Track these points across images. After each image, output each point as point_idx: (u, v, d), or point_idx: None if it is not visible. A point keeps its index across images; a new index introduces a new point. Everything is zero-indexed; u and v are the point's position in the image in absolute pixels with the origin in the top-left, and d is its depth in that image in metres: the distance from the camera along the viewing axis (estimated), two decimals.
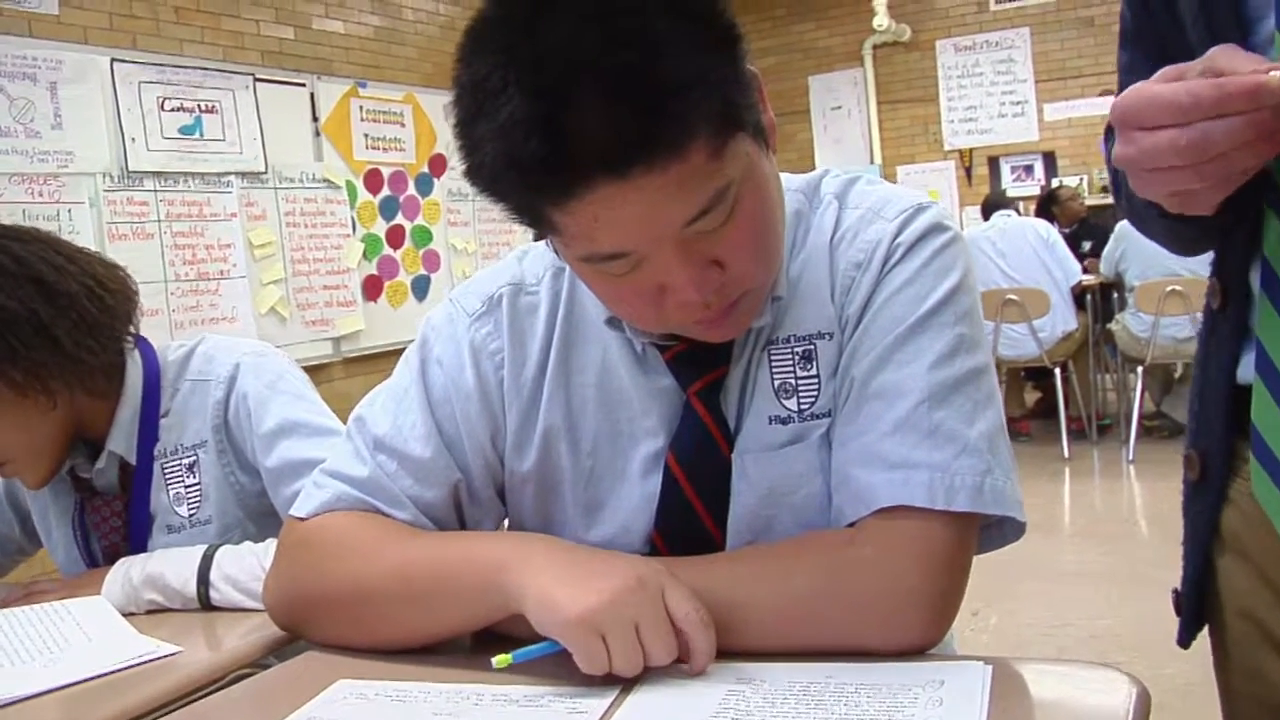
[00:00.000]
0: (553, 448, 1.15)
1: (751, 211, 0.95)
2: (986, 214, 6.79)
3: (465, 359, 1.16)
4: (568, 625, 0.92)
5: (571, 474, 1.15)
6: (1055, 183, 8.49)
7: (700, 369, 1.10)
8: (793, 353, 1.09)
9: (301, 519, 1.17)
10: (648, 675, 0.95)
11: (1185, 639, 1.11)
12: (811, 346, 1.08)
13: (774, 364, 1.09)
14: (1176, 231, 1.00)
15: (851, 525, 1.01)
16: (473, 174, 0.92)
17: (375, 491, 1.15)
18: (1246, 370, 0.93)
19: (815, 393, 1.08)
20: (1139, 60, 1.08)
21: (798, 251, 1.11)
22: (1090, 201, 8.22)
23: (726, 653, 0.96)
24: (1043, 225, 6.50)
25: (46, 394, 1.54)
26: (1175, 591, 1.11)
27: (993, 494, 0.98)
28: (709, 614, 0.94)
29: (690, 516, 1.11)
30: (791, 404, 1.08)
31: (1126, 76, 1.13)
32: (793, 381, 1.08)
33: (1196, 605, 1.09)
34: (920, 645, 0.96)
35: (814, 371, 1.08)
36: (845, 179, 1.16)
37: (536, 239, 1.11)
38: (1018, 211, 6.87)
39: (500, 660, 0.95)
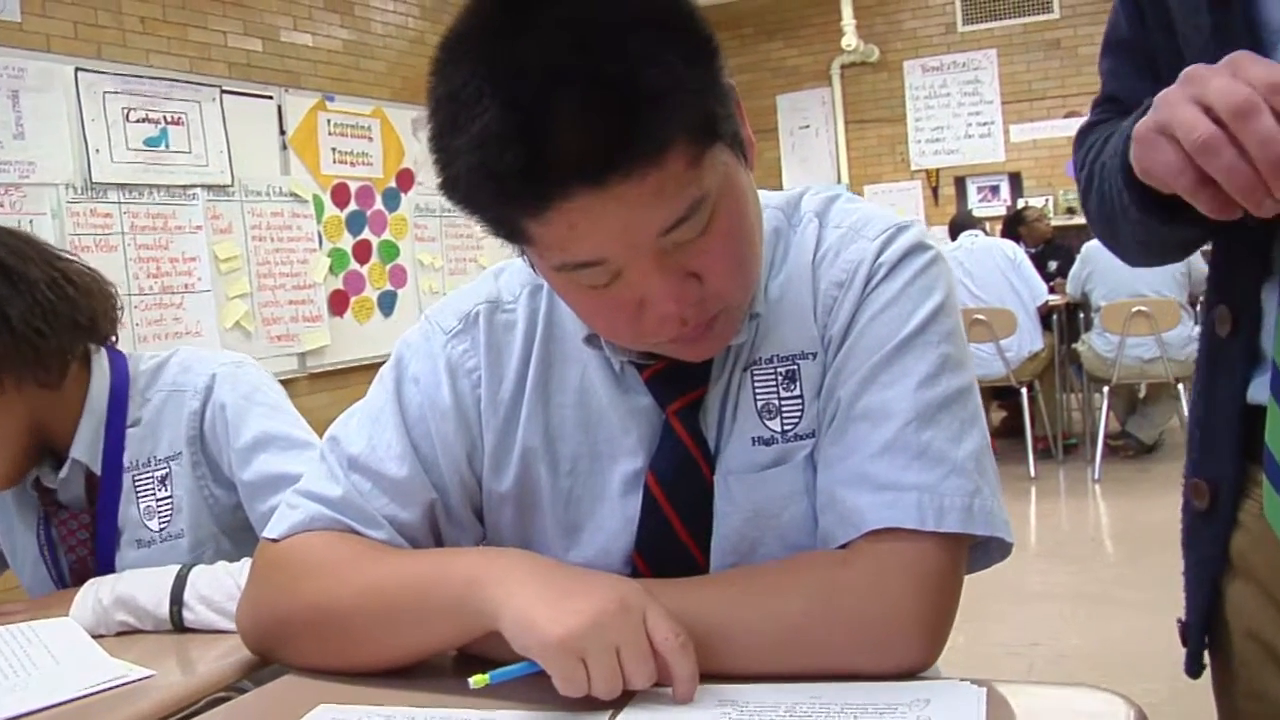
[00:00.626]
0: (531, 468, 1.14)
1: (729, 224, 0.94)
2: (954, 234, 6.84)
3: (442, 376, 1.15)
4: (547, 647, 0.89)
5: (550, 494, 1.14)
6: (1021, 203, 8.57)
7: (679, 388, 1.08)
8: (776, 373, 1.07)
9: (274, 540, 1.15)
10: (635, 698, 0.93)
11: (1194, 669, 1.10)
12: (795, 367, 1.07)
13: (757, 384, 1.08)
14: (1150, 231, 0.97)
15: (841, 548, 0.99)
16: (448, 187, 0.91)
17: (350, 511, 1.12)
18: (1259, 391, 0.91)
19: (799, 413, 1.07)
20: (1125, 67, 1.09)
21: (778, 269, 1.10)
22: (1056, 222, 8.31)
23: (714, 676, 0.94)
24: (1009, 246, 6.56)
25: None
26: (1180, 622, 1.10)
27: (982, 514, 0.97)
28: (690, 638, 0.92)
29: (671, 537, 1.09)
30: (775, 425, 1.07)
31: (1112, 82, 1.12)
32: (775, 402, 1.07)
33: (1203, 634, 1.07)
34: (914, 668, 0.95)
35: (797, 392, 1.07)
36: (825, 196, 1.15)
37: (517, 254, 1.08)
38: (984, 232, 6.92)
39: (477, 680, 0.92)
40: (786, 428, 1.07)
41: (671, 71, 0.84)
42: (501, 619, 0.94)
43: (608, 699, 0.90)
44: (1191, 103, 0.76)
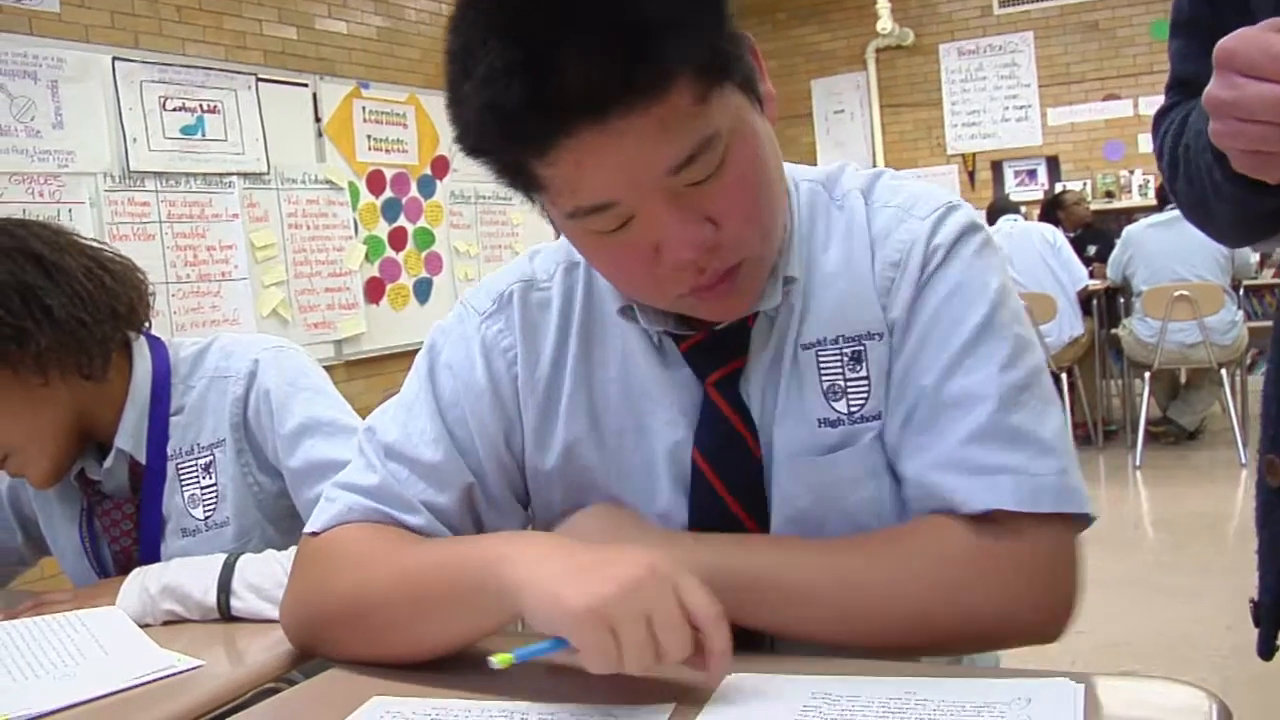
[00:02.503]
0: (578, 444, 1.13)
1: (743, 168, 0.93)
2: (992, 219, 6.78)
3: (476, 357, 1.15)
4: (573, 618, 0.85)
5: (599, 469, 1.13)
6: (1059, 187, 8.48)
7: (717, 359, 1.08)
8: (841, 353, 1.06)
9: (315, 534, 1.15)
10: (716, 694, 0.90)
11: (1267, 650, 1.07)
12: (861, 347, 1.06)
13: (822, 365, 1.06)
14: (1245, 205, 0.95)
15: None
16: (461, 135, 0.94)
17: (386, 499, 1.12)
18: None
19: (865, 394, 1.06)
20: (1193, 48, 1.06)
21: (825, 243, 1.10)
22: (1095, 206, 8.22)
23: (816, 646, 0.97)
24: (1049, 230, 6.49)
25: (39, 369, 1.49)
26: (1253, 602, 1.08)
27: (1071, 492, 0.98)
28: (723, 609, 0.88)
29: (722, 510, 1.08)
30: (841, 406, 1.06)
31: (1181, 64, 1.10)
32: (841, 383, 1.06)
33: (1278, 615, 1.05)
34: (1040, 640, 0.97)
35: (864, 373, 1.06)
36: (869, 174, 1.15)
37: (545, 220, 1.05)
38: (1023, 216, 6.85)
39: (501, 659, 0.88)
40: (853, 409, 1.06)
41: (674, 5, 0.85)
42: (523, 597, 0.92)
43: (640, 673, 0.86)
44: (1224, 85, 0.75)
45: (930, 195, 1.10)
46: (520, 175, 0.94)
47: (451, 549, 1.05)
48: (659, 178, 0.89)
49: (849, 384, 1.06)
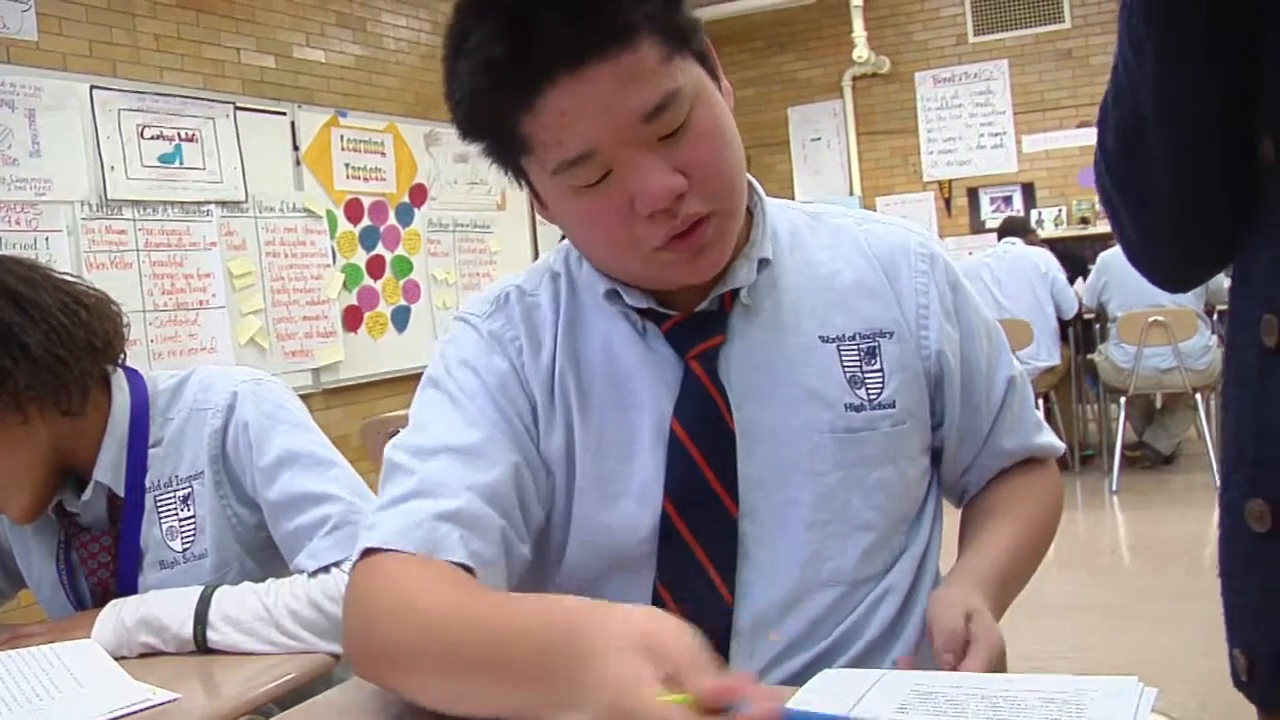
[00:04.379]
0: (569, 427, 1.17)
1: (708, 124, 1.05)
2: (1000, 236, 6.84)
3: (491, 348, 1.19)
4: None
5: (581, 448, 1.17)
6: (1035, 214, 8.56)
7: (697, 336, 1.16)
8: (858, 349, 1.19)
9: (357, 561, 1.09)
10: (809, 684, 0.97)
11: (1272, 700, 0.95)
12: (875, 344, 1.20)
13: (844, 357, 1.19)
14: (1180, 90, 0.88)
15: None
16: (455, 109, 1.06)
17: (426, 492, 1.08)
18: None
19: (880, 385, 1.19)
20: None
21: (814, 247, 1.24)
22: (1069, 233, 8.29)
23: None
24: (1043, 258, 6.49)
25: (17, 408, 1.48)
26: (1245, 655, 0.95)
27: None
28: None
29: (700, 482, 1.14)
30: (862, 394, 1.18)
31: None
32: (860, 374, 1.19)
33: (1277, 676, 0.93)
34: None
35: (878, 366, 1.19)
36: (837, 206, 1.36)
37: (527, 200, 1.15)
38: (1025, 241, 6.83)
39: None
40: (871, 397, 1.18)
41: None
42: None
43: None
44: None
45: (899, 218, 1.32)
46: (509, 139, 1.04)
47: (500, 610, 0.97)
48: (633, 124, 1.00)
49: (866, 375, 1.19)
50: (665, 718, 0.70)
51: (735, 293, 1.17)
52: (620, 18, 0.98)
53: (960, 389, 1.25)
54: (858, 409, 1.18)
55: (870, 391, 1.19)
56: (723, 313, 1.17)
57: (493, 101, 1.02)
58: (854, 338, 1.20)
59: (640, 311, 1.16)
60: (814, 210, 1.29)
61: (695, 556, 1.14)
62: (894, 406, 1.19)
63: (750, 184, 1.20)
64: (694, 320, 1.16)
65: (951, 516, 1.34)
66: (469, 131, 1.08)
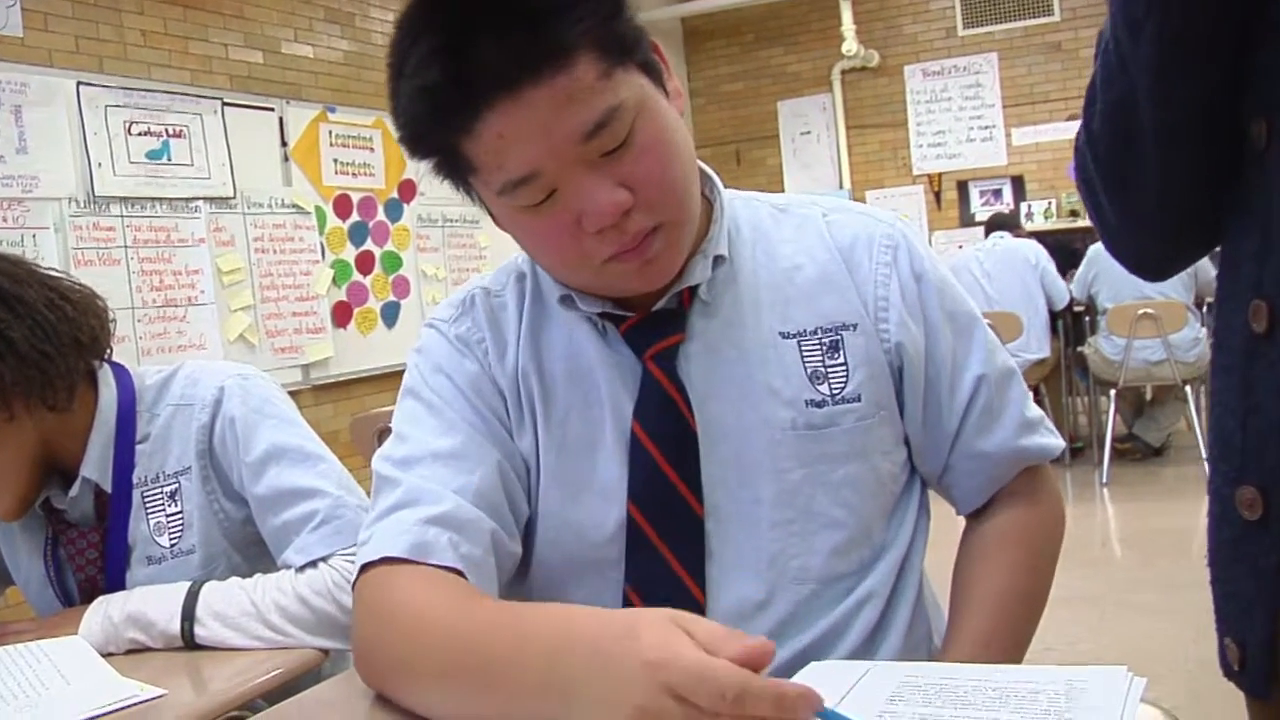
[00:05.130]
0: (534, 424, 1.18)
1: (651, 138, 1.03)
2: (988, 231, 6.85)
3: (460, 352, 1.20)
4: None
5: (544, 447, 1.17)
6: (1025, 207, 8.58)
7: (655, 336, 1.15)
8: (820, 343, 1.17)
9: (356, 579, 1.10)
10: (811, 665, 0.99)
11: (1263, 689, 0.94)
12: (838, 337, 1.17)
13: (805, 353, 1.17)
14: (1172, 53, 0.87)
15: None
16: (399, 130, 1.06)
17: (412, 500, 1.09)
18: None
19: (844, 379, 1.17)
20: None
21: (779, 240, 1.21)
22: (1059, 225, 8.30)
23: None
24: (1034, 250, 6.50)
25: (3, 404, 1.48)
26: (1236, 644, 0.95)
27: None
28: None
29: (662, 482, 1.14)
30: (824, 389, 1.16)
31: None
32: (822, 369, 1.16)
33: (1268, 665, 0.93)
34: None
35: (841, 360, 1.17)
36: (808, 195, 1.33)
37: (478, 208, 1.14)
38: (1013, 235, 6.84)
39: None
40: (834, 391, 1.16)
41: None
42: None
43: None
44: None
45: (872, 207, 1.28)
46: (453, 160, 1.04)
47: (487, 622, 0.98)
48: (573, 145, 0.99)
49: (829, 370, 1.16)
50: (714, 669, 0.73)
51: (694, 290, 1.16)
52: (555, 38, 0.97)
53: (923, 383, 1.21)
54: (819, 404, 1.15)
55: (834, 386, 1.16)
56: (681, 310, 1.16)
57: (432, 126, 1.02)
58: (815, 332, 1.17)
59: (598, 314, 1.16)
60: (781, 202, 1.27)
61: (663, 557, 1.14)
62: (859, 400, 1.17)
63: (709, 178, 1.20)
64: (652, 319, 1.15)
65: (941, 520, 1.32)
66: (414, 152, 1.07)
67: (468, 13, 0.97)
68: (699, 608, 1.14)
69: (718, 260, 1.16)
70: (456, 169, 1.06)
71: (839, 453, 1.16)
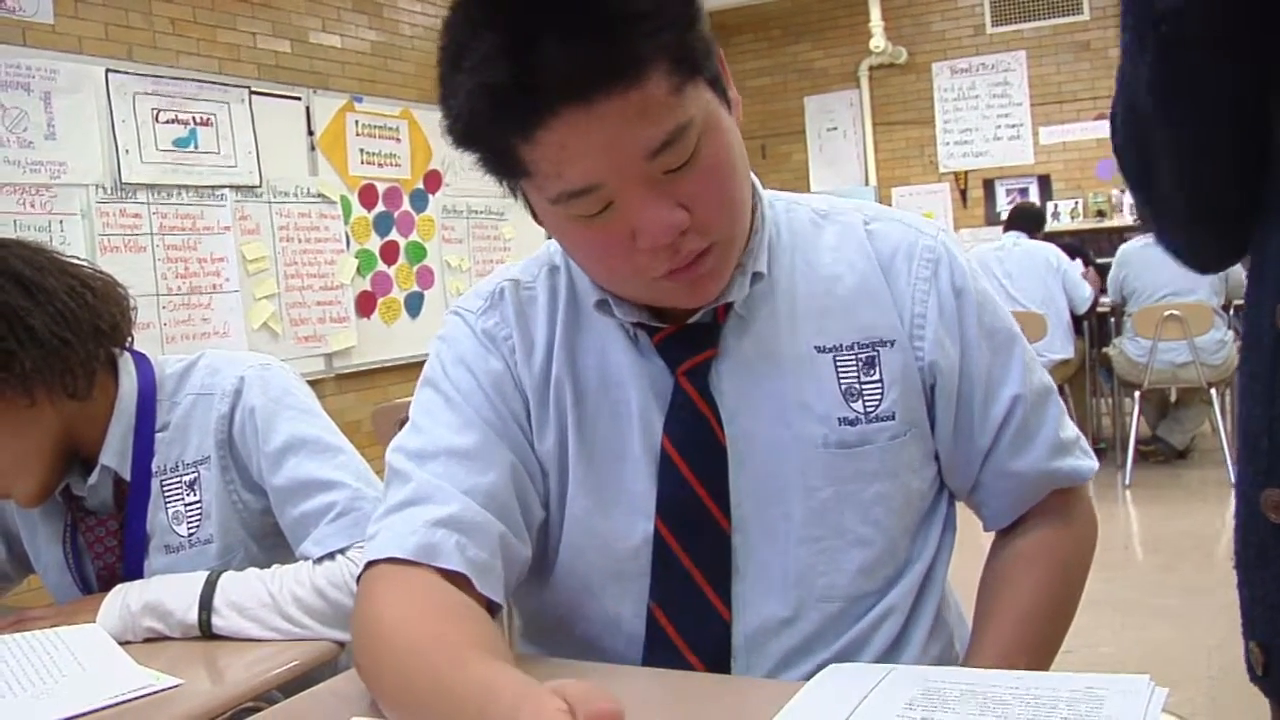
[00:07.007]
0: (562, 428, 1.16)
1: (714, 157, 1.00)
2: (1010, 223, 6.79)
3: (484, 347, 1.18)
4: None
5: (575, 453, 1.16)
6: (1051, 206, 8.52)
7: (688, 350, 1.13)
8: (856, 358, 1.15)
9: (360, 575, 1.11)
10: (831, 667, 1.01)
11: None
12: (875, 353, 1.15)
13: (840, 368, 1.14)
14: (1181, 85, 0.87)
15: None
16: (452, 125, 0.99)
17: (422, 498, 1.08)
18: None
19: (879, 396, 1.14)
20: None
21: (819, 252, 1.18)
22: (1085, 225, 8.25)
23: None
24: (1054, 252, 6.45)
25: (24, 391, 1.48)
26: (1261, 654, 0.94)
27: None
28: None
29: (689, 494, 1.13)
30: (858, 406, 1.14)
31: None
32: (857, 386, 1.14)
33: None
34: None
35: (877, 377, 1.14)
36: (852, 200, 1.27)
37: (524, 208, 1.10)
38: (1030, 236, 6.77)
39: None
40: (869, 409, 1.14)
41: (649, 1, 0.92)
42: None
43: None
44: None
45: (916, 216, 1.23)
46: (507, 161, 0.99)
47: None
48: (638, 161, 0.95)
49: (864, 387, 1.14)
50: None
51: (730, 305, 1.14)
52: (629, 49, 0.91)
53: (956, 399, 1.19)
54: (852, 423, 1.13)
55: (868, 404, 1.14)
56: (715, 325, 1.14)
57: (490, 126, 0.97)
58: (852, 347, 1.15)
59: (633, 323, 1.14)
60: (823, 207, 1.24)
61: (689, 573, 1.13)
62: (893, 418, 1.15)
63: (752, 185, 1.15)
64: (686, 332, 1.13)
65: (967, 527, 1.31)
66: (464, 146, 1.01)
67: (535, 11, 0.91)
68: (724, 624, 1.13)
69: (756, 276, 1.13)
70: (508, 169, 1.01)
71: (870, 471, 1.14)
